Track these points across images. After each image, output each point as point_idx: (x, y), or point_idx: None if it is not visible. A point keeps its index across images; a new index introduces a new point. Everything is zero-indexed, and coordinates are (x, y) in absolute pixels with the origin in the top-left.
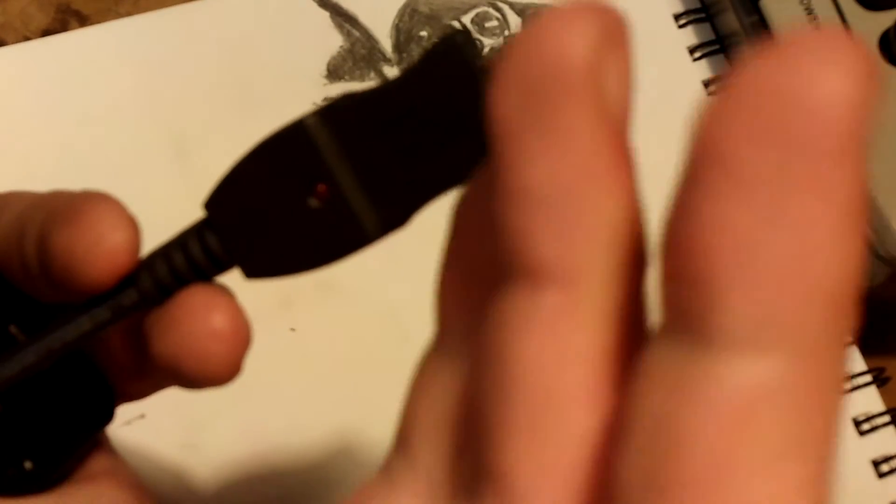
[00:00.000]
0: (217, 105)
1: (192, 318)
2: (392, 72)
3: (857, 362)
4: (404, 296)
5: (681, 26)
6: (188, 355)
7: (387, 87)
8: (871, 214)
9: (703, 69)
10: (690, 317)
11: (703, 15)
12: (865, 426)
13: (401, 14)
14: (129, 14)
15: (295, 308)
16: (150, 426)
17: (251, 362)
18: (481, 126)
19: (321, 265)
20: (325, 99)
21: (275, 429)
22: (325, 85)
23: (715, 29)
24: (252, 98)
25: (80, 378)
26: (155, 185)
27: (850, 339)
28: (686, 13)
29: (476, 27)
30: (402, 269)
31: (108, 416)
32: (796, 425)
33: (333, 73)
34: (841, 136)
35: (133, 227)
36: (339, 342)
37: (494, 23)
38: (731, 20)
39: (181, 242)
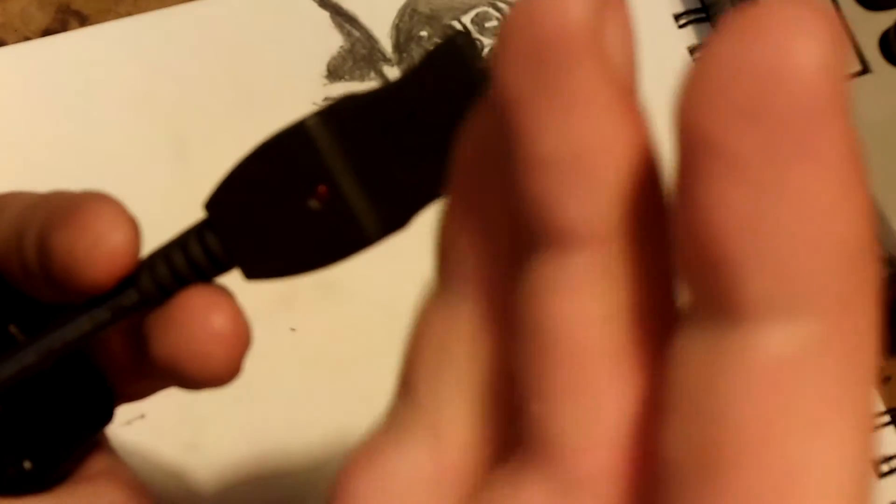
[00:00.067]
0: (217, 105)
1: (192, 319)
2: (392, 72)
3: None
4: (404, 296)
5: (681, 26)
6: (188, 356)
7: (388, 88)
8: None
9: None
10: (715, 299)
11: (703, 15)
12: None
13: (401, 14)
14: (129, 14)
15: (295, 308)
16: (151, 426)
17: (251, 362)
18: None
19: (321, 266)
20: (326, 99)
21: (275, 429)
22: (325, 85)
23: (715, 29)
24: (252, 98)
25: (79, 378)
26: (154, 185)
27: (878, 293)
28: (686, 13)
29: (476, 27)
30: (402, 269)
31: (108, 417)
32: (834, 383)
33: (333, 73)
34: (820, 100)
35: (133, 227)
36: (339, 342)
37: (494, 23)
38: None
39: (181, 243)
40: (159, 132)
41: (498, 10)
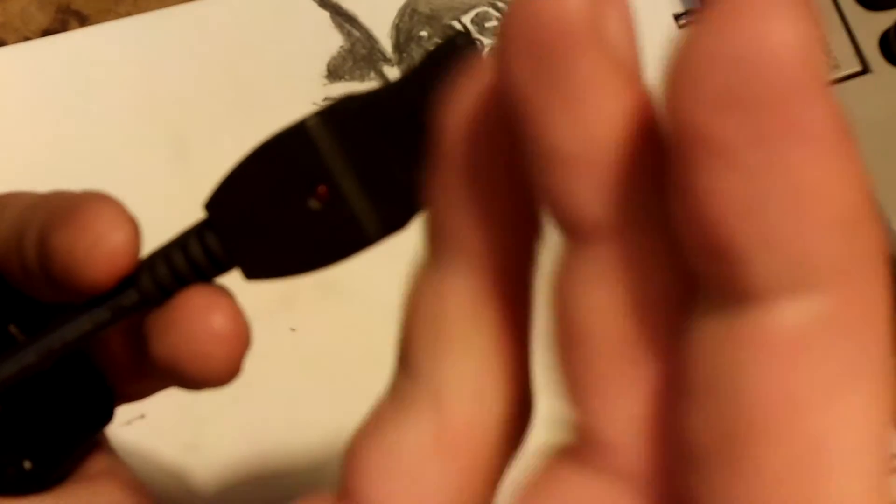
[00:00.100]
0: (217, 105)
1: (192, 319)
2: (392, 72)
3: None
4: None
5: (681, 26)
6: (188, 356)
7: (388, 88)
8: None
9: None
10: (722, 284)
11: None
12: None
13: (401, 14)
14: (129, 14)
15: (295, 308)
16: (151, 426)
17: (251, 362)
18: None
19: (322, 267)
20: (326, 99)
21: (275, 429)
22: (325, 85)
23: None
24: (252, 98)
25: (79, 379)
26: (154, 185)
27: (884, 260)
28: (686, 13)
29: (476, 27)
30: (403, 269)
31: (108, 417)
32: (849, 352)
33: (333, 73)
34: (799, 79)
35: (133, 227)
36: (339, 342)
37: (494, 23)
38: None
39: (181, 243)
40: (159, 132)
41: (498, 10)
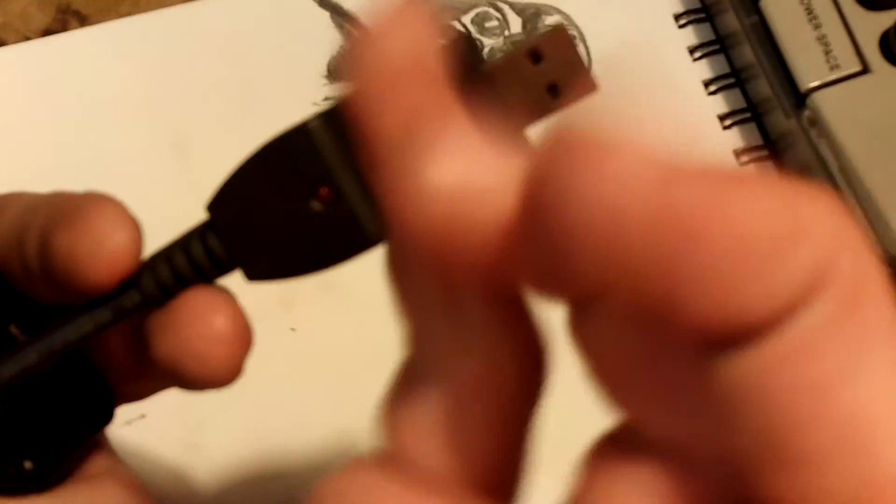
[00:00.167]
0: (217, 105)
1: (194, 320)
2: None
3: None
4: None
5: (681, 26)
6: (189, 357)
7: None
8: (871, 214)
9: (703, 69)
10: (725, 341)
11: (703, 15)
12: None
13: None
14: (129, 14)
15: (295, 308)
16: (151, 426)
17: (252, 362)
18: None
19: (323, 268)
20: (326, 99)
21: (275, 429)
22: (325, 85)
23: (715, 29)
24: (252, 98)
25: (79, 379)
26: (155, 185)
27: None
28: (686, 13)
29: (476, 27)
30: None
31: (108, 417)
32: (860, 327)
33: (333, 73)
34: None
35: (135, 228)
36: (339, 342)
37: (494, 23)
38: (731, 20)
39: (183, 244)
40: (159, 132)
41: (498, 9)
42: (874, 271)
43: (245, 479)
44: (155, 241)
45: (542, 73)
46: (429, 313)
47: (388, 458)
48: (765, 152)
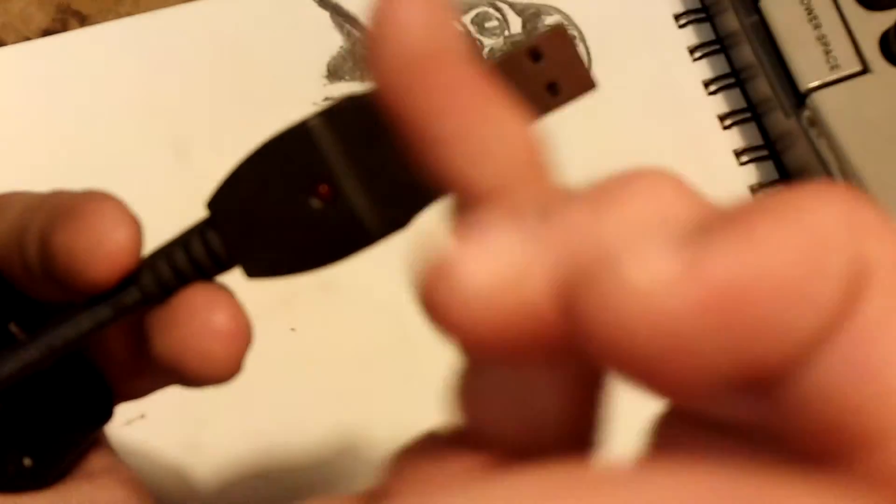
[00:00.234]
0: (217, 105)
1: (194, 317)
2: None
3: None
4: (404, 296)
5: (681, 26)
6: (189, 354)
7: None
8: None
9: (703, 69)
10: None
11: (703, 15)
12: None
13: None
14: (129, 14)
15: (295, 308)
16: (151, 426)
17: (252, 362)
18: None
19: (322, 266)
20: (326, 99)
21: (275, 428)
22: (325, 85)
23: (715, 29)
24: (252, 98)
25: (79, 377)
26: (155, 185)
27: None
28: (686, 13)
29: (476, 27)
30: (403, 268)
31: (107, 415)
32: None
33: (333, 73)
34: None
35: (135, 225)
36: (339, 342)
37: (494, 23)
38: (731, 20)
39: (183, 241)
40: (159, 132)
41: (498, 10)
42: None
43: (245, 479)
44: (155, 240)
45: (542, 71)
46: None
47: (460, 430)
48: (765, 152)
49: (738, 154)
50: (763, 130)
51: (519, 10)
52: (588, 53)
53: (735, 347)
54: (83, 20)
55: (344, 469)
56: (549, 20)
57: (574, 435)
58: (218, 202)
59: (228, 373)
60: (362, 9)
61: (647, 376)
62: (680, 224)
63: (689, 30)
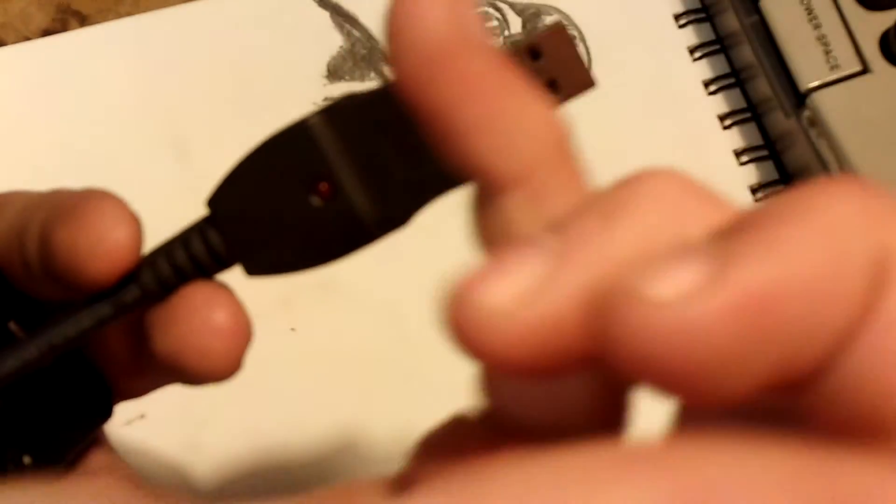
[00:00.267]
0: (217, 105)
1: (194, 315)
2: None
3: None
4: (404, 296)
5: (681, 26)
6: (189, 351)
7: (389, 87)
8: None
9: (703, 69)
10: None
11: (703, 15)
12: None
13: None
14: (129, 14)
15: (295, 308)
16: (151, 426)
17: (252, 362)
18: None
19: (322, 263)
20: (326, 99)
21: (275, 428)
22: (325, 85)
23: (715, 29)
24: (252, 98)
25: (78, 375)
26: (155, 185)
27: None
28: (686, 13)
29: None
30: (403, 268)
31: (107, 414)
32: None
33: (333, 73)
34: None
35: (135, 223)
36: (339, 342)
37: (494, 23)
38: (731, 20)
39: (183, 239)
40: (159, 132)
41: (498, 9)
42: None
43: (245, 479)
44: (155, 240)
45: (541, 69)
46: None
47: (487, 414)
48: (765, 152)
49: (738, 154)
50: (763, 130)
51: (519, 10)
52: (588, 53)
53: (767, 353)
54: (83, 20)
55: (344, 469)
56: (549, 20)
57: (604, 418)
58: (218, 200)
59: (228, 370)
60: (362, 9)
61: (683, 389)
62: (695, 229)
63: (689, 30)
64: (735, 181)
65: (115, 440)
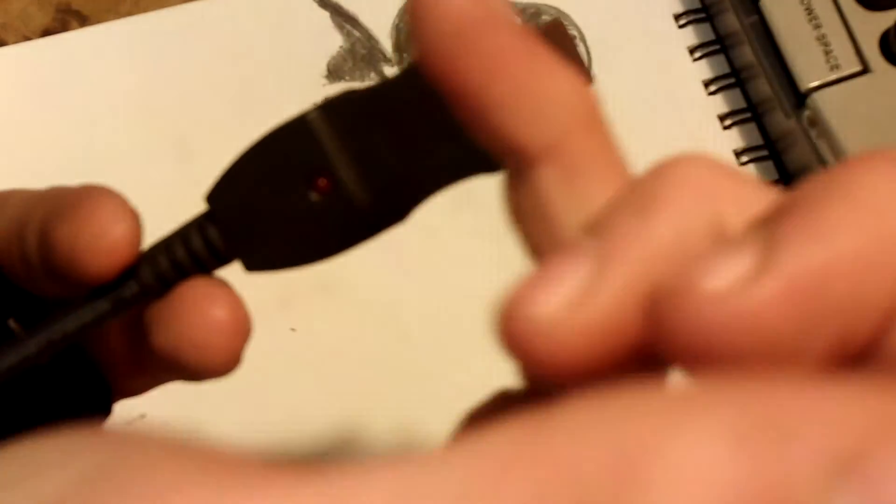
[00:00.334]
0: (217, 105)
1: (193, 310)
2: (392, 72)
3: None
4: (404, 296)
5: (681, 26)
6: (189, 347)
7: (387, 83)
8: None
9: (703, 69)
10: None
11: (703, 15)
12: None
13: (401, 14)
14: (129, 14)
15: (295, 308)
16: (151, 426)
17: (251, 362)
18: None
19: (321, 258)
20: (326, 99)
21: (275, 428)
22: (325, 85)
23: (715, 29)
24: (252, 98)
25: (77, 373)
26: (155, 184)
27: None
28: (686, 13)
29: None
30: (402, 268)
31: (106, 412)
32: None
33: (333, 73)
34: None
35: (134, 219)
36: (339, 342)
37: None
38: (731, 20)
39: (182, 235)
40: (159, 131)
41: None
42: None
43: None
44: (156, 238)
45: None
46: None
47: (531, 389)
48: (765, 152)
49: (738, 154)
50: (763, 130)
51: (519, 10)
52: (588, 53)
53: (823, 331)
54: (83, 20)
55: None
56: (549, 20)
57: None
58: (217, 196)
59: (228, 366)
60: (362, 9)
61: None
62: (730, 209)
63: (689, 30)
64: None
65: None
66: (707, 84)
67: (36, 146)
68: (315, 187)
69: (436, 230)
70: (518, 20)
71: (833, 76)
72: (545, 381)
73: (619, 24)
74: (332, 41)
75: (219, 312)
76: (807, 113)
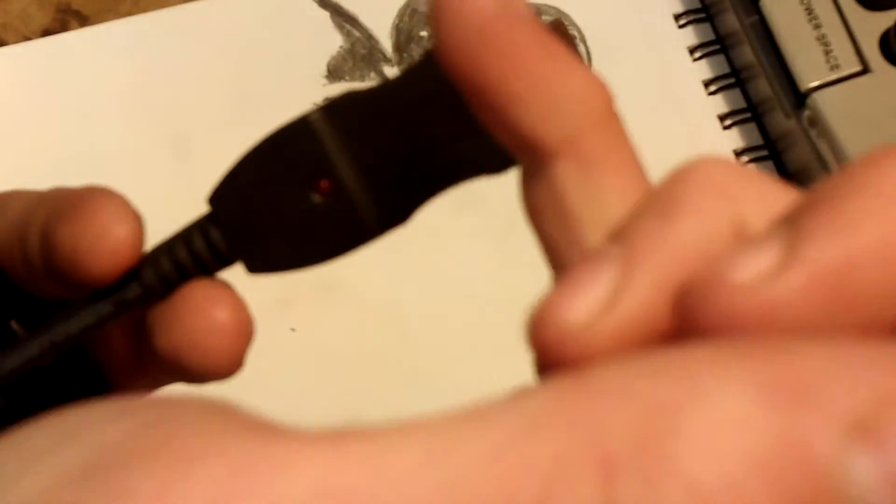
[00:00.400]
0: (217, 105)
1: (195, 312)
2: (392, 72)
3: None
4: (404, 296)
5: (681, 26)
6: (191, 349)
7: (389, 84)
8: None
9: (703, 69)
10: None
11: (703, 15)
12: None
13: (401, 14)
14: (129, 14)
15: (295, 308)
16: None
17: (251, 362)
18: (481, 125)
19: (323, 260)
20: (326, 99)
21: None
22: (325, 85)
23: (715, 29)
24: (252, 98)
25: (79, 374)
26: (154, 185)
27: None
28: (686, 13)
29: None
30: (403, 269)
31: None
32: None
33: (333, 73)
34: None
35: (137, 221)
36: (339, 342)
37: None
38: (731, 20)
39: (185, 237)
40: (159, 131)
41: None
42: None
43: None
44: (155, 239)
45: None
46: None
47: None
48: (765, 152)
49: (738, 154)
50: (763, 130)
51: None
52: (588, 53)
53: (852, 317)
54: (83, 20)
55: None
56: (549, 20)
57: None
58: (219, 197)
59: (230, 368)
60: (362, 9)
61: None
62: (750, 208)
63: (689, 30)
64: None
65: None
66: (707, 84)
67: (36, 146)
68: (317, 189)
69: (437, 231)
70: (538, 18)
71: (833, 76)
72: None
73: (619, 24)
74: (332, 41)
75: (221, 314)
76: (807, 113)
